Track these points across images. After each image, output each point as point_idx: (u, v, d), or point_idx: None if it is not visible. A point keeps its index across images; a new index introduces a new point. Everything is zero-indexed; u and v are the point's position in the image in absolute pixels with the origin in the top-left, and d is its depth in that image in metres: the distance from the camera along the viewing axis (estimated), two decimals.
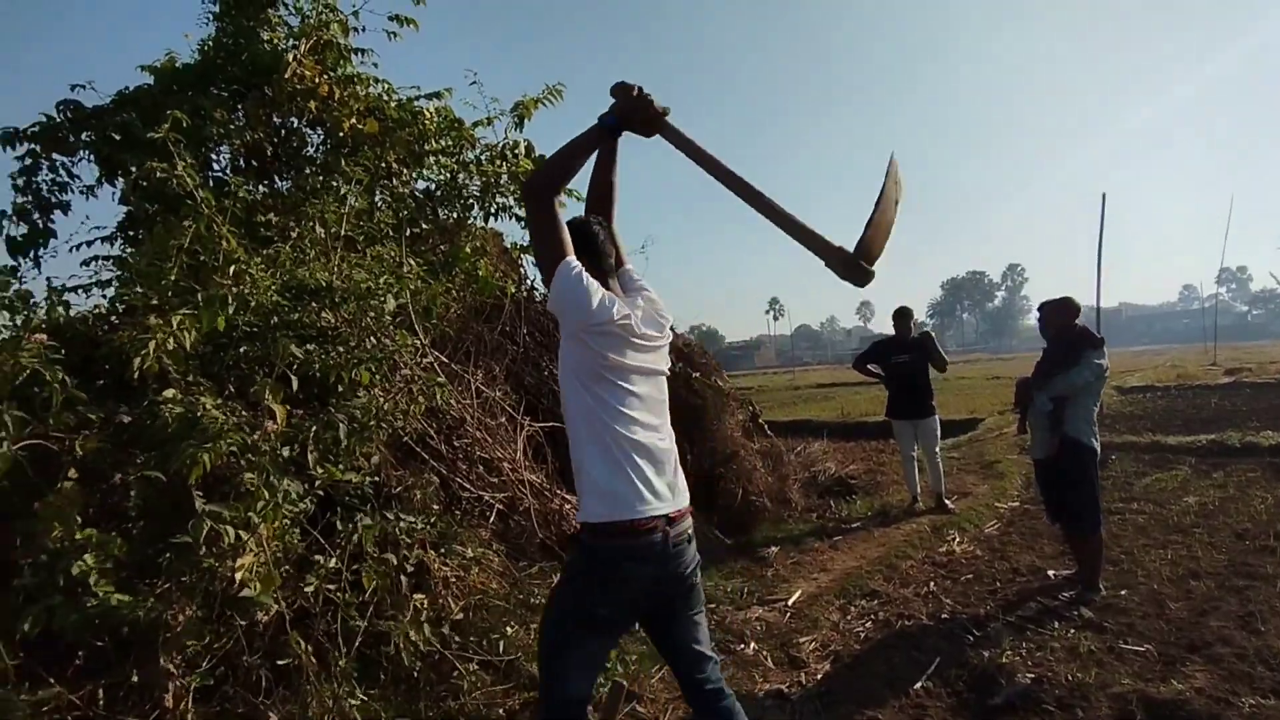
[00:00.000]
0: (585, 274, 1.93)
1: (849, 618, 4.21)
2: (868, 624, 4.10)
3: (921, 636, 3.86)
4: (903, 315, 6.75)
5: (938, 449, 6.65)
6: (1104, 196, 11.82)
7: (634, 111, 2.06)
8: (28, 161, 4.87)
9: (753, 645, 3.84)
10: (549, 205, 1.95)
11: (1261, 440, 8.29)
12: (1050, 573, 4.69)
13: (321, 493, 2.93)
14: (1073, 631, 3.78)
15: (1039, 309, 4.55)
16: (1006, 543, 5.48)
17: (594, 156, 2.18)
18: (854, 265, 1.84)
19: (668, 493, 1.98)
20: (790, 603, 4.42)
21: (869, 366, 6.90)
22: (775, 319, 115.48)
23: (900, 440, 6.80)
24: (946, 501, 6.54)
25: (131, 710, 2.20)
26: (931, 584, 4.67)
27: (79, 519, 2.17)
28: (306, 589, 2.62)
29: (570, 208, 5.77)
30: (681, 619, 2.09)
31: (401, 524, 3.00)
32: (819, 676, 3.52)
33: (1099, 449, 4.27)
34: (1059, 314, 4.41)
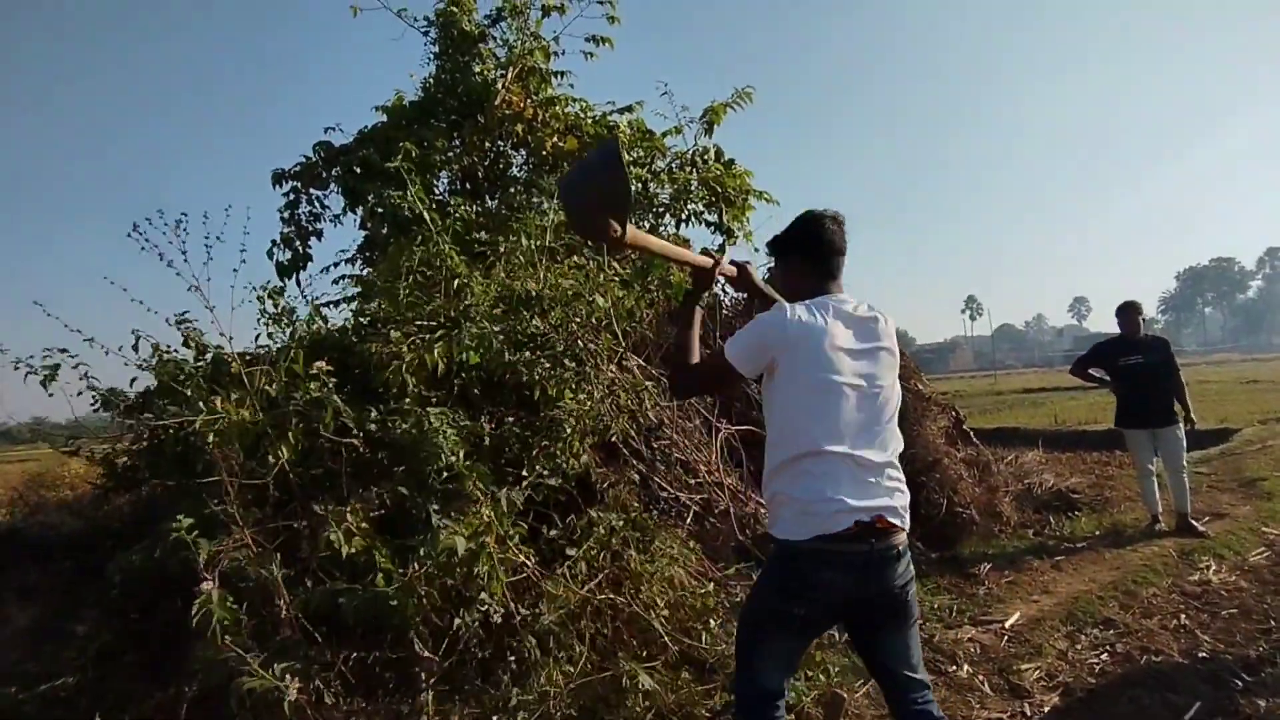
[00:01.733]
0: (745, 336, 2.00)
1: (1079, 647, 3.78)
2: (1103, 656, 3.66)
3: (1175, 676, 3.37)
4: (1131, 309, 5.97)
5: (1183, 462, 5.77)
6: None
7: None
8: (291, 197, 5.70)
9: (966, 668, 3.57)
10: (695, 393, 2.11)
11: None
12: None
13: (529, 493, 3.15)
14: None
15: None
16: None
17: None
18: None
19: (869, 499, 1.88)
20: (1008, 625, 4.05)
21: (1090, 371, 6.19)
22: (972, 319, 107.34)
23: (1136, 452, 6.01)
24: (1194, 523, 5.67)
25: (382, 686, 2.49)
26: (1183, 617, 4.08)
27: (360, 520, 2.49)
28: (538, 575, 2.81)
29: (761, 209, 5.74)
30: (888, 636, 2.01)
31: (606, 522, 3.12)
32: (1046, 709, 3.19)
33: None
34: None
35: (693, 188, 5.31)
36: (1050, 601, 4.42)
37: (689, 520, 3.84)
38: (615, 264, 4.25)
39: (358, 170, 5.58)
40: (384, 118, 5.78)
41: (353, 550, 2.34)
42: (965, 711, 3.20)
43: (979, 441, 6.97)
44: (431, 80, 5.80)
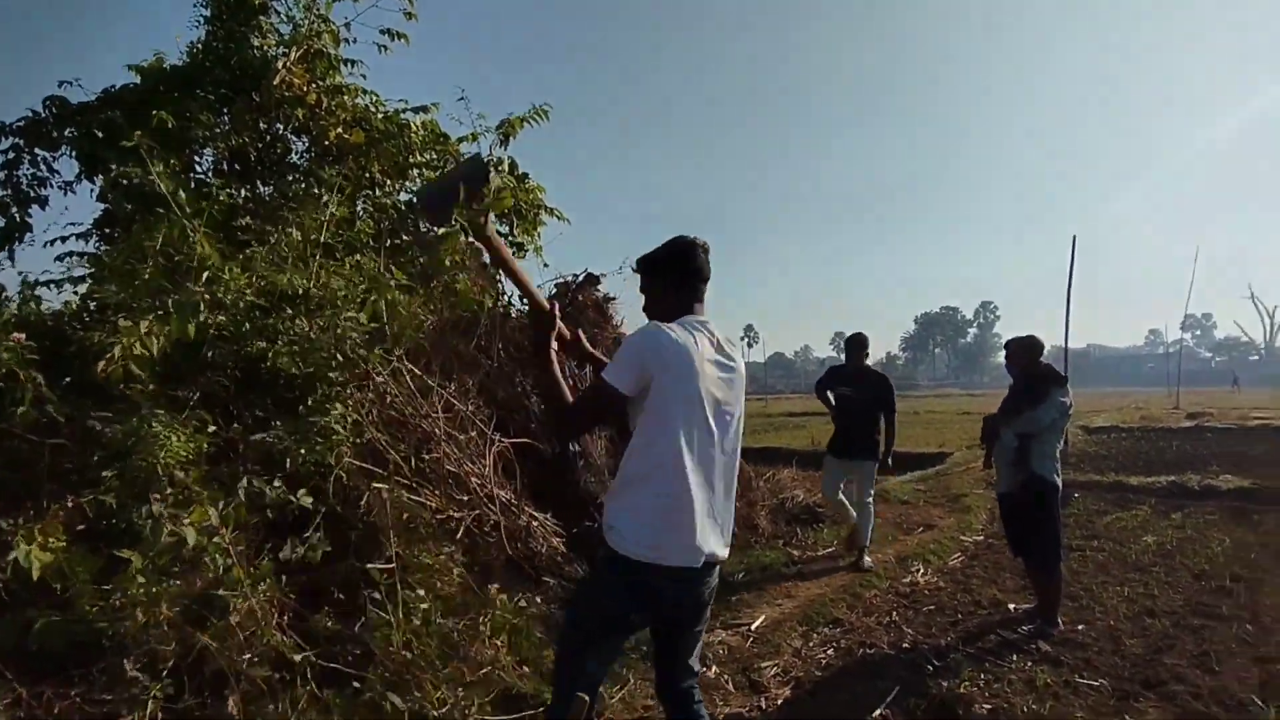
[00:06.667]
0: (624, 359, 1.98)
1: (811, 644, 4.23)
2: (829, 651, 4.12)
3: (883, 665, 3.88)
4: (854, 343, 5.98)
5: (869, 498, 5.84)
6: (1074, 239, 12.20)
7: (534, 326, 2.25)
8: (10, 155, 4.83)
9: (714, 669, 3.84)
10: (585, 430, 2.16)
11: (1220, 484, 8.55)
12: (1011, 606, 4.75)
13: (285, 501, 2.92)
14: (1030, 665, 3.83)
15: (1005, 346, 4.64)
16: (970, 575, 5.55)
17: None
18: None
19: (714, 539, 2.07)
20: (753, 628, 4.43)
21: (827, 393, 6.02)
22: (749, 346, 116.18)
23: (823, 478, 6.10)
24: (867, 558, 5.77)
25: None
26: (894, 614, 4.71)
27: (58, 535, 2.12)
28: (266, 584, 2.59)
29: (552, 225, 5.83)
30: (690, 632, 2.22)
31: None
32: (779, 702, 3.53)
33: (1061, 486, 4.36)
34: (1024, 352, 4.50)
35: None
36: (791, 605, 4.89)
37: (460, 535, 3.76)
38: (395, 268, 4.08)
39: (99, 134, 4.88)
40: (137, 79, 5.10)
41: (38, 571, 1.99)
42: (710, 709, 3.40)
43: (744, 460, 7.56)
44: (200, 46, 5.23)
